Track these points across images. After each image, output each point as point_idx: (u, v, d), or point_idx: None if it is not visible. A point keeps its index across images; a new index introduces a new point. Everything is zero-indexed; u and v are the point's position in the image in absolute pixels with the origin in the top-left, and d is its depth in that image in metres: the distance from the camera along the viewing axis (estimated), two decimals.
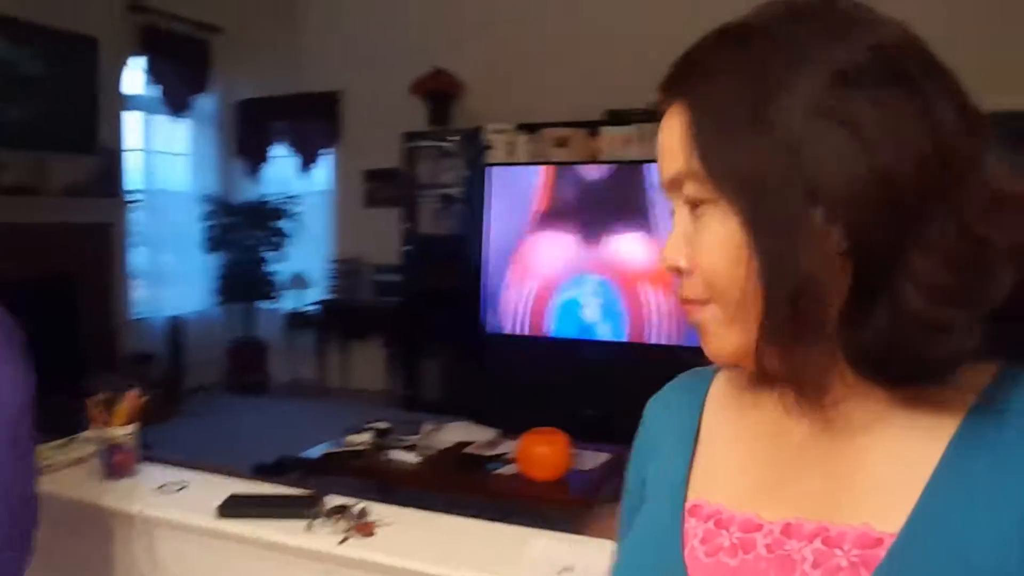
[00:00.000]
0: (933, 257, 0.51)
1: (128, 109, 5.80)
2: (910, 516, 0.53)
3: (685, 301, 0.60)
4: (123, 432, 1.63)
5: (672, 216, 0.61)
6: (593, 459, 3.39)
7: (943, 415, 0.56)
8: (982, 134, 0.53)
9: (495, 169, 5.19)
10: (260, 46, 6.35)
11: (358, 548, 1.37)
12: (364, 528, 1.42)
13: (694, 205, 0.58)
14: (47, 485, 1.61)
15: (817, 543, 0.57)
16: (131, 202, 5.81)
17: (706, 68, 0.57)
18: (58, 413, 1.77)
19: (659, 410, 0.76)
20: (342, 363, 6.39)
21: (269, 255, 6.31)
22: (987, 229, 0.51)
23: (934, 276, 0.51)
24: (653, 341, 4.70)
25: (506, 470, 3.25)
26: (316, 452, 3.52)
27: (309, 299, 6.40)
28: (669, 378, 0.77)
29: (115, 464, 1.63)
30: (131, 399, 1.65)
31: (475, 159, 5.49)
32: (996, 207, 0.52)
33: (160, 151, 6.24)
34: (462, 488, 3.20)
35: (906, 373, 0.54)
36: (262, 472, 4.28)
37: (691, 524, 0.64)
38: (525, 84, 5.63)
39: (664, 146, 0.60)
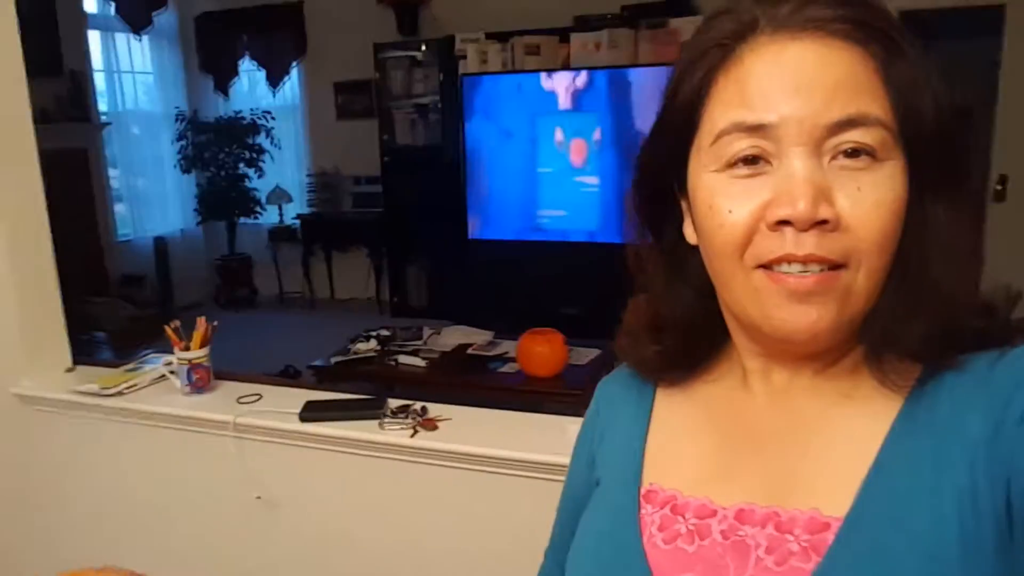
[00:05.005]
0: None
1: (89, 28, 5.71)
2: (855, 500, 0.54)
3: (813, 260, 0.53)
4: (201, 353, 1.85)
5: (794, 161, 0.53)
6: (584, 355, 3.69)
7: (887, 403, 0.57)
8: None
9: (470, 79, 5.28)
10: None
11: (428, 440, 1.62)
12: (428, 423, 1.68)
13: (849, 154, 0.53)
14: (138, 403, 1.84)
15: (770, 528, 0.57)
16: (104, 125, 5.79)
17: (877, 24, 0.54)
18: None
19: (611, 392, 0.76)
20: (326, 275, 6.57)
21: (247, 171, 6.37)
22: None
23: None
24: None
25: (508, 368, 3.53)
26: (327, 360, 3.73)
27: (290, 213, 6.52)
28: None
29: (196, 381, 1.85)
30: (203, 325, 1.86)
31: (448, 69, 5.56)
32: None
33: (124, 71, 6.17)
34: (469, 387, 3.47)
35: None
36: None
37: (647, 511, 0.64)
38: None
39: (834, 84, 0.52)
